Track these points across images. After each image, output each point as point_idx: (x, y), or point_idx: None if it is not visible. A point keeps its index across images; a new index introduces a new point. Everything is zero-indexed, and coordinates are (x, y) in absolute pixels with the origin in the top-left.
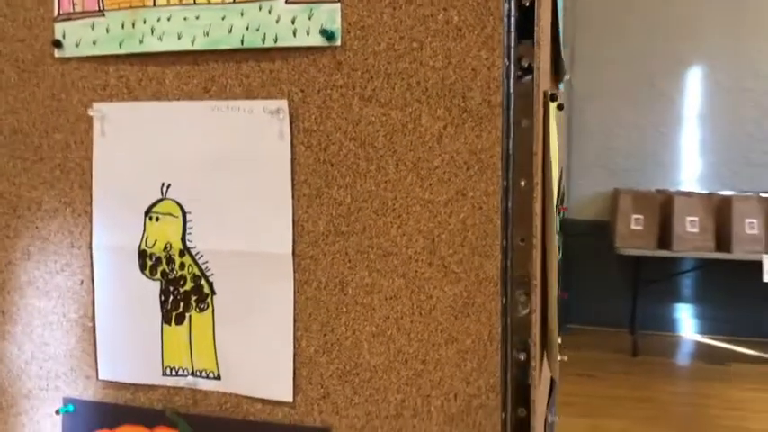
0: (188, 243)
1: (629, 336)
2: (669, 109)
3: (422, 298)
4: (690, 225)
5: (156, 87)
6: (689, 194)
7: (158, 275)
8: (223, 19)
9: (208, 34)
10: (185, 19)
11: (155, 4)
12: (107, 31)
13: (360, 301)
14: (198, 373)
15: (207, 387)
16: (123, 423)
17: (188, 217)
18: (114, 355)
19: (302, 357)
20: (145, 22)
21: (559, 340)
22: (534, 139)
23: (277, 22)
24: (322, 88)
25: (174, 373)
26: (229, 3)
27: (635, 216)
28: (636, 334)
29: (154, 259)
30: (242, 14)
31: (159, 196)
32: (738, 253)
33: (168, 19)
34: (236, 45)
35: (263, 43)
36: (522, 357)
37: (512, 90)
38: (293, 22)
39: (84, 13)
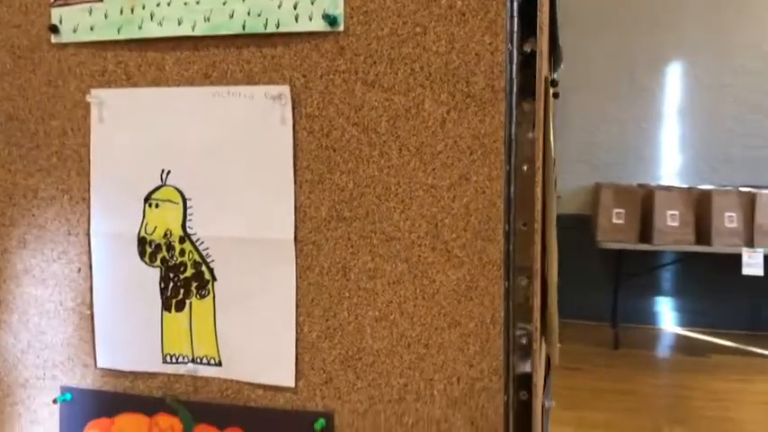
0: (188, 229)
1: (611, 329)
2: (650, 104)
3: (425, 282)
4: (670, 219)
5: (155, 73)
6: (669, 189)
7: (158, 262)
8: (224, 4)
9: (209, 19)
10: (186, 4)
11: None
12: (105, 16)
13: (362, 286)
14: (198, 360)
15: (208, 374)
16: (122, 411)
17: (188, 203)
18: (113, 343)
19: (304, 343)
20: (144, 7)
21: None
22: (536, 125)
23: (279, 7)
24: (324, 73)
25: (174, 360)
26: None
27: (616, 210)
28: (617, 327)
29: (153, 246)
30: None
31: (159, 183)
32: (718, 246)
33: (168, 4)
34: (238, 30)
35: (265, 28)
36: (524, 341)
37: (515, 75)
38: (295, 8)
39: None
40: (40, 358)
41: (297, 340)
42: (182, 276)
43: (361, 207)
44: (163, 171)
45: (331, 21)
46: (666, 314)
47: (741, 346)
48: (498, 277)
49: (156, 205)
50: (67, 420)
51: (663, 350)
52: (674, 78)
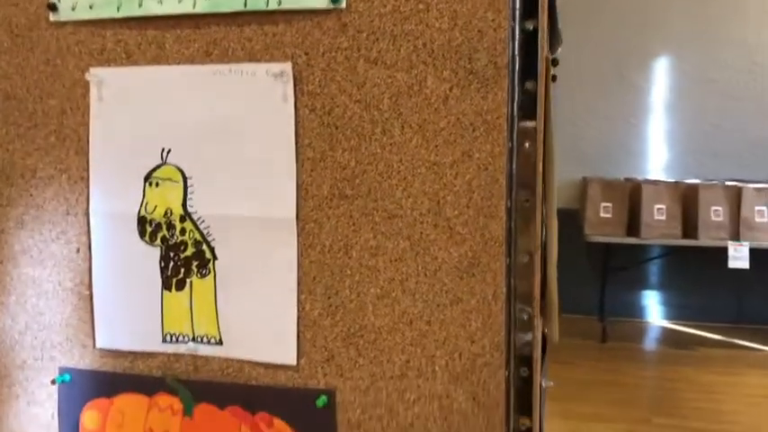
0: (189, 208)
1: (599, 322)
2: (637, 99)
3: (427, 259)
4: (657, 213)
5: (155, 51)
6: (656, 183)
7: (158, 241)
8: None
9: None
10: None
11: None
12: None
13: (365, 264)
14: (199, 339)
15: (208, 353)
16: (121, 392)
17: (189, 182)
18: (112, 323)
19: (306, 321)
20: None
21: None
22: (538, 101)
23: None
24: (326, 51)
25: (174, 339)
26: None
27: (604, 204)
28: (605, 320)
29: (154, 225)
30: None
31: (159, 161)
32: (704, 240)
33: None
34: (239, 8)
35: (267, 6)
36: (525, 317)
37: (517, 52)
38: None
39: None
40: (38, 339)
41: (298, 318)
42: (182, 255)
43: (364, 185)
44: (163, 150)
45: None
46: (654, 307)
47: (727, 339)
48: (500, 254)
49: (157, 184)
50: (66, 401)
51: (650, 343)
52: (661, 73)
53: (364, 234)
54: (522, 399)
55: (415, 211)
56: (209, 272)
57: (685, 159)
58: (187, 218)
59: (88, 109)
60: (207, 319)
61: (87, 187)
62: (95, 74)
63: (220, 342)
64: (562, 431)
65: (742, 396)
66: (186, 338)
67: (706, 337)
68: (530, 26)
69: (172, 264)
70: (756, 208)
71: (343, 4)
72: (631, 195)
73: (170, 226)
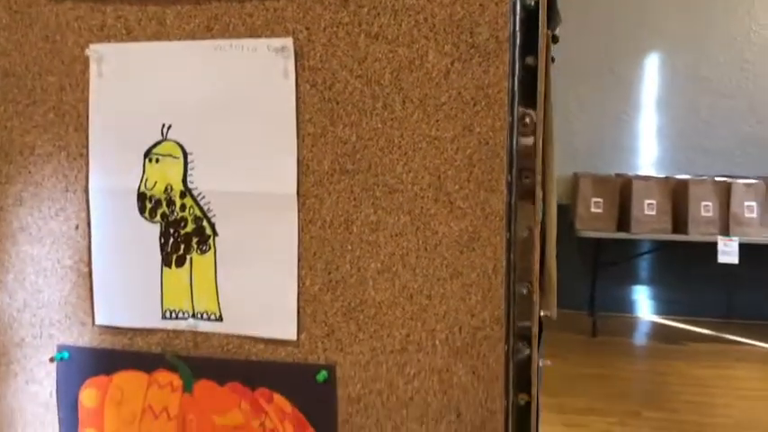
0: (189, 184)
1: (589, 317)
2: (628, 95)
3: (427, 234)
4: (648, 208)
5: (156, 27)
6: (647, 178)
7: (158, 218)
8: None
9: None
10: None
11: None
12: None
13: (365, 239)
14: (199, 316)
15: (208, 329)
16: (121, 369)
17: (189, 158)
18: (111, 300)
19: (306, 296)
20: None
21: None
22: (539, 76)
23: None
24: (328, 26)
25: (174, 316)
26: None
27: (594, 199)
28: (595, 315)
29: (153, 201)
30: None
31: (159, 137)
32: (694, 235)
33: None
34: None
35: None
36: (525, 291)
37: (518, 27)
38: None
39: None
40: (36, 317)
41: (299, 294)
42: (182, 231)
43: (364, 160)
44: (163, 125)
45: None
46: (644, 302)
47: (716, 334)
48: (500, 228)
49: (157, 160)
50: (64, 379)
51: (640, 338)
52: (651, 69)
53: (365, 209)
54: (520, 373)
55: (416, 185)
56: (210, 248)
57: (676, 155)
58: (187, 194)
59: (87, 85)
60: (207, 295)
61: (86, 164)
62: (95, 50)
63: (220, 318)
64: (553, 424)
65: (732, 390)
66: (186, 315)
67: (695, 332)
68: (531, 1)
69: (172, 240)
70: (746, 203)
71: None
72: (622, 191)
73: (170, 202)
